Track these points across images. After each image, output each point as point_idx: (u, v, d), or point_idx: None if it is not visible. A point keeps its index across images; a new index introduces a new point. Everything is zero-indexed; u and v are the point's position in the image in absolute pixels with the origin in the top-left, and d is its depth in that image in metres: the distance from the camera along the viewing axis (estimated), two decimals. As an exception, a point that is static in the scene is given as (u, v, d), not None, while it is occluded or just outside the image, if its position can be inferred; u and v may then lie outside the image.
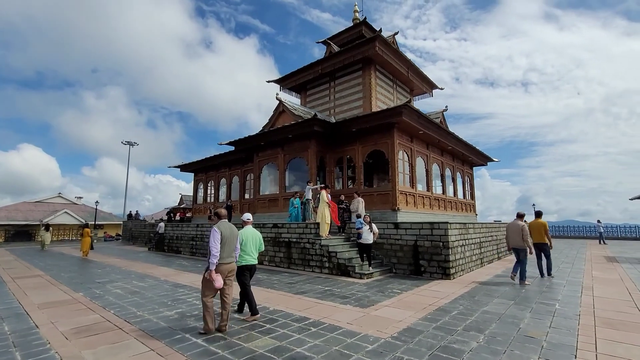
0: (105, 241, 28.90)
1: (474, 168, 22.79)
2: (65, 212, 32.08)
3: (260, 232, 11.41)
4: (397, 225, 9.52)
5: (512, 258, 13.20)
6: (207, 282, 4.49)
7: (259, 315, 5.19)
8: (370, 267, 8.76)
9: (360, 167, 14.58)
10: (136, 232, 24.60)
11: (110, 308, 5.91)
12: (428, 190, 16.07)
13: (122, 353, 3.87)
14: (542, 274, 8.72)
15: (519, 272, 7.91)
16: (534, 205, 33.36)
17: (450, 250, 8.44)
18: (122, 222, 29.90)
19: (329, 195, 10.12)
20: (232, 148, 20.26)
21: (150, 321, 5.10)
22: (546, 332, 4.47)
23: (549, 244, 8.75)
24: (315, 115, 13.83)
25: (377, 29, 21.35)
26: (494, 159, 22.19)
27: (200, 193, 25.07)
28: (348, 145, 15.15)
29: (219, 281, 4.44)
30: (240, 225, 5.70)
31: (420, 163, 15.65)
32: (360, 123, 13.82)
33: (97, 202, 30.01)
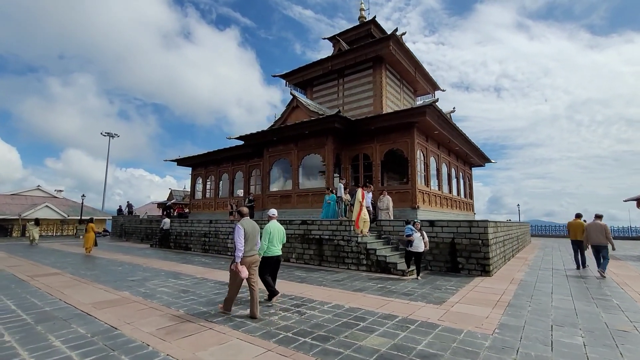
0: (92, 237, 27.43)
1: (471, 169, 23.52)
2: (47, 205, 30.16)
3: (287, 229, 11.27)
4: (432, 223, 9.66)
5: (521, 256, 13.80)
6: (234, 274, 5.11)
7: (277, 295, 5.97)
8: (418, 272, 8.41)
9: (378, 165, 14.67)
10: (130, 228, 23.55)
11: (176, 307, 5.63)
12: (439, 189, 16.41)
13: (240, 354, 3.70)
14: (578, 266, 10.00)
15: (604, 266, 8.71)
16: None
17: (489, 247, 8.68)
18: (110, 218, 28.54)
19: (369, 194, 9.91)
20: (235, 143, 19.94)
21: (235, 320, 4.90)
22: (633, 326, 4.69)
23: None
24: (339, 111, 13.75)
25: (385, 29, 21.61)
26: (492, 160, 22.99)
27: (199, 188, 24.35)
28: (364, 143, 15.18)
29: (244, 272, 5.00)
30: (265, 220, 6.30)
31: (432, 163, 15.94)
32: (381, 121, 13.89)
33: (83, 195, 28.41)
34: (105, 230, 29.96)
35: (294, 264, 10.92)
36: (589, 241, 9.06)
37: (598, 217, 9.12)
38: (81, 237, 27.51)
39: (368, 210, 10.98)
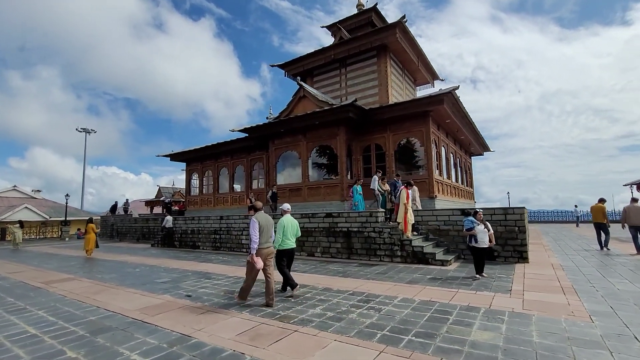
0: (79, 239, 26.01)
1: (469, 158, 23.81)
2: (26, 207, 28.24)
3: (310, 222, 10.92)
4: (464, 212, 9.55)
5: (534, 241, 14.04)
6: (250, 265, 5.37)
7: (297, 287, 6.03)
8: (481, 269, 7.28)
9: (391, 155, 14.47)
10: (123, 228, 22.38)
11: (236, 309, 5.20)
12: (448, 178, 16.45)
13: (356, 359, 3.38)
14: (601, 247, 10.38)
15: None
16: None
17: (526, 234, 8.67)
18: (99, 217, 27.08)
19: (410, 192, 9.35)
20: (235, 136, 19.35)
21: (313, 320, 4.55)
22: None
23: (607, 223, 10.21)
24: (355, 100, 13.38)
25: (383, 17, 21.30)
26: (491, 149, 23.36)
27: (195, 184, 23.44)
28: (377, 133, 14.93)
29: (260, 263, 5.27)
30: (280, 214, 6.51)
31: (442, 152, 15.91)
32: (398, 110, 13.66)
33: (67, 195, 26.68)
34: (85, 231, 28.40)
35: (319, 258, 10.59)
36: (628, 222, 9.49)
37: (635, 200, 9.55)
38: (67, 239, 26.08)
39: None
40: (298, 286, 6.05)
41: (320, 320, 4.57)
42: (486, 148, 22.75)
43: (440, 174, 14.87)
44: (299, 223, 11.23)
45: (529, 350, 3.42)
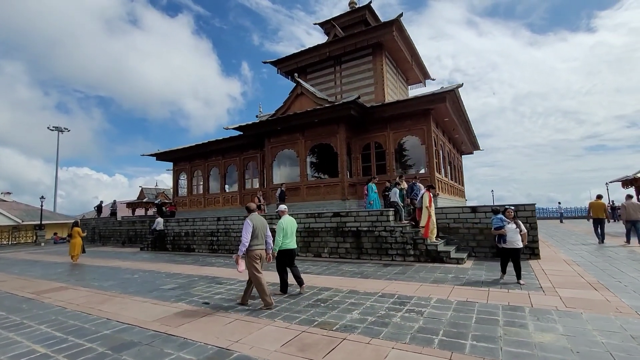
0: (56, 244, 24.53)
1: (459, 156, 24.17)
2: (-4, 211, 26.31)
3: (316, 222, 10.62)
4: (474, 209, 9.53)
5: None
6: (252, 266, 5.24)
7: (285, 294, 6.07)
8: (519, 275, 6.42)
9: (392, 153, 14.35)
10: (106, 232, 21.21)
11: (265, 317, 4.83)
12: (445, 176, 16.54)
13: (426, 368, 3.11)
14: (600, 241, 10.74)
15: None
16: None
17: (537, 230, 8.71)
18: (74, 221, 25.55)
19: (431, 195, 9.00)
20: (226, 134, 18.85)
21: (356, 327, 4.25)
22: None
23: (606, 218, 10.64)
24: (358, 97, 13.15)
25: (376, 15, 21.24)
26: (481, 148, 23.80)
27: (183, 184, 22.55)
28: (377, 131, 14.77)
29: (242, 266, 5.24)
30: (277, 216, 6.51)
31: (440, 150, 15.97)
32: (400, 107, 13.51)
33: (42, 197, 25.02)
34: (69, 235, 26.81)
35: (327, 259, 10.29)
36: (627, 217, 9.91)
37: (630, 197, 9.95)
38: (43, 244, 24.53)
39: (413, 204, 9.88)
40: (286, 294, 6.08)
41: (364, 326, 4.28)
42: (476, 147, 23.16)
43: (439, 172, 14.90)
44: (304, 223, 11.08)
45: (602, 352, 3.27)
